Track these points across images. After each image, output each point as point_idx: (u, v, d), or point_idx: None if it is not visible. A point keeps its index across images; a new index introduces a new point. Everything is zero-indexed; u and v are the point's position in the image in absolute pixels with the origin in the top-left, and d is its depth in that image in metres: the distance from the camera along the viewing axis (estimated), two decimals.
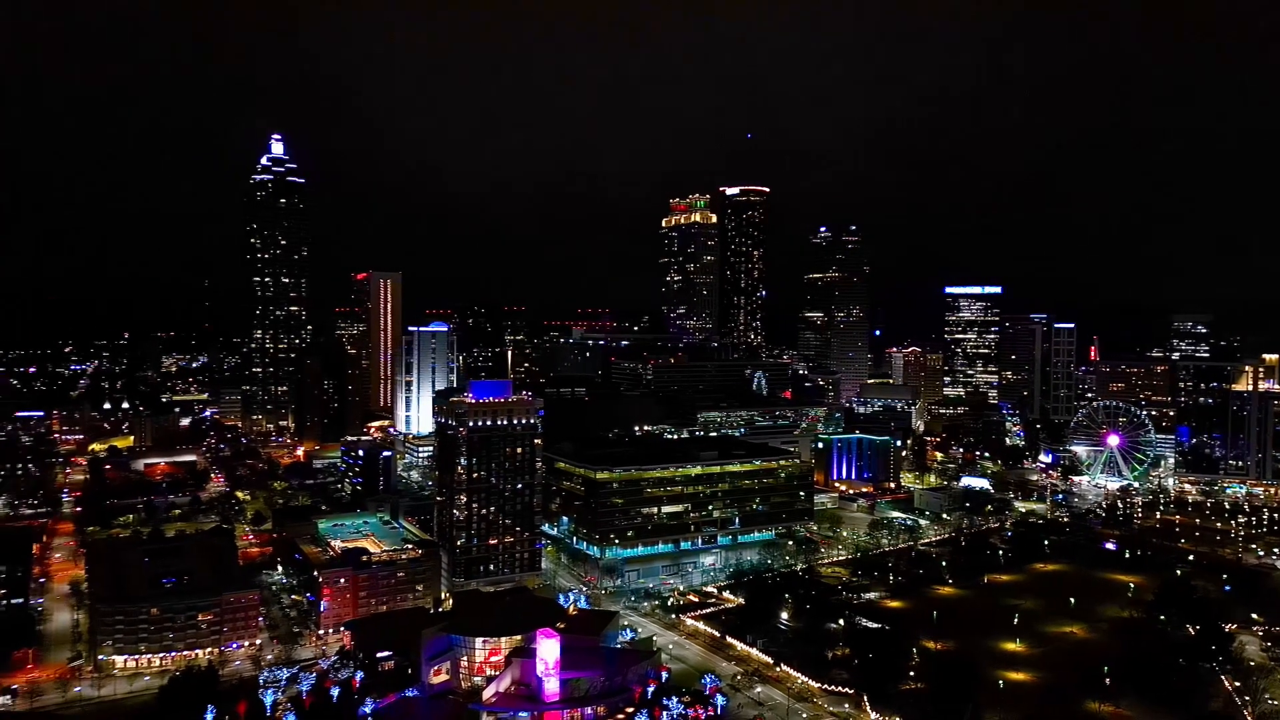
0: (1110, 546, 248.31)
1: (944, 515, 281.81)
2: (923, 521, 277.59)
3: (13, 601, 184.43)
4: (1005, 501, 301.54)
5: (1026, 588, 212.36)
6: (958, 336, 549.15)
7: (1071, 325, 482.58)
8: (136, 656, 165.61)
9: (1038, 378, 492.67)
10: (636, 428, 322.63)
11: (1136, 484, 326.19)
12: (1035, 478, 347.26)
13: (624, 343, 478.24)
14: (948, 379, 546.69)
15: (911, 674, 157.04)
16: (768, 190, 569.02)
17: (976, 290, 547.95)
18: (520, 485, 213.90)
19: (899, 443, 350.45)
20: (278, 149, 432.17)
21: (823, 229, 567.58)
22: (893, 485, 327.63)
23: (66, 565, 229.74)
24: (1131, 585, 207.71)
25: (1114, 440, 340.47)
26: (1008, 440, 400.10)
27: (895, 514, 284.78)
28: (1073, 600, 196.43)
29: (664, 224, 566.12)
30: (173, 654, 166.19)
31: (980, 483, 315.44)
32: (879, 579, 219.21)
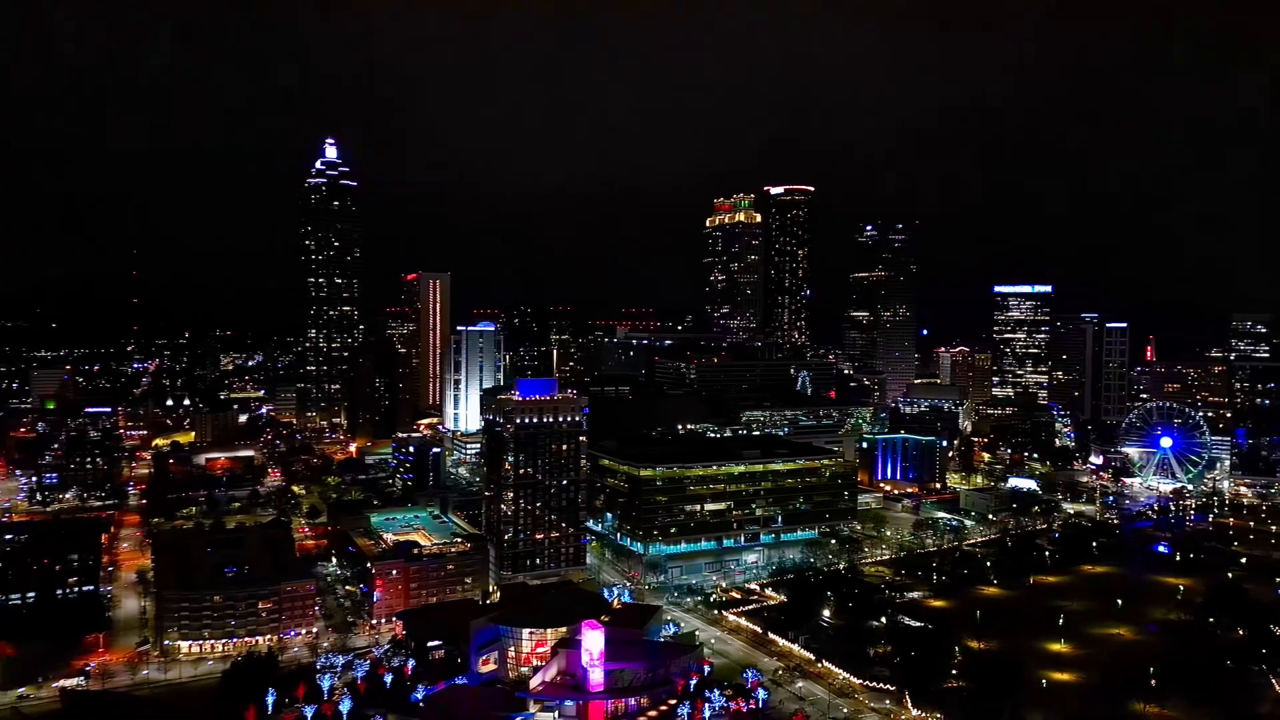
0: (1161, 549, 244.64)
1: (990, 516, 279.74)
2: (968, 522, 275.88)
3: (84, 589, 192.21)
4: (1053, 503, 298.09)
5: (1073, 589, 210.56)
6: (1007, 336, 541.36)
7: (1124, 325, 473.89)
8: (200, 642, 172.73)
9: (1089, 378, 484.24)
10: (680, 426, 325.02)
11: (1190, 486, 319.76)
12: (1085, 479, 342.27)
13: (667, 342, 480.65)
14: (996, 379, 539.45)
15: (954, 672, 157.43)
16: (812, 189, 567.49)
17: (1026, 289, 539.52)
18: (565, 482, 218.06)
19: (945, 443, 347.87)
20: (331, 153, 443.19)
21: (868, 228, 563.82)
22: (938, 486, 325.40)
23: (133, 555, 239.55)
24: (1181, 588, 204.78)
25: (1167, 442, 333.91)
26: (1058, 441, 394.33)
27: (940, 514, 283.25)
28: (1120, 602, 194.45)
29: (708, 223, 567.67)
30: (234, 640, 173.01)
31: (1028, 484, 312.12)
32: (922, 578, 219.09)
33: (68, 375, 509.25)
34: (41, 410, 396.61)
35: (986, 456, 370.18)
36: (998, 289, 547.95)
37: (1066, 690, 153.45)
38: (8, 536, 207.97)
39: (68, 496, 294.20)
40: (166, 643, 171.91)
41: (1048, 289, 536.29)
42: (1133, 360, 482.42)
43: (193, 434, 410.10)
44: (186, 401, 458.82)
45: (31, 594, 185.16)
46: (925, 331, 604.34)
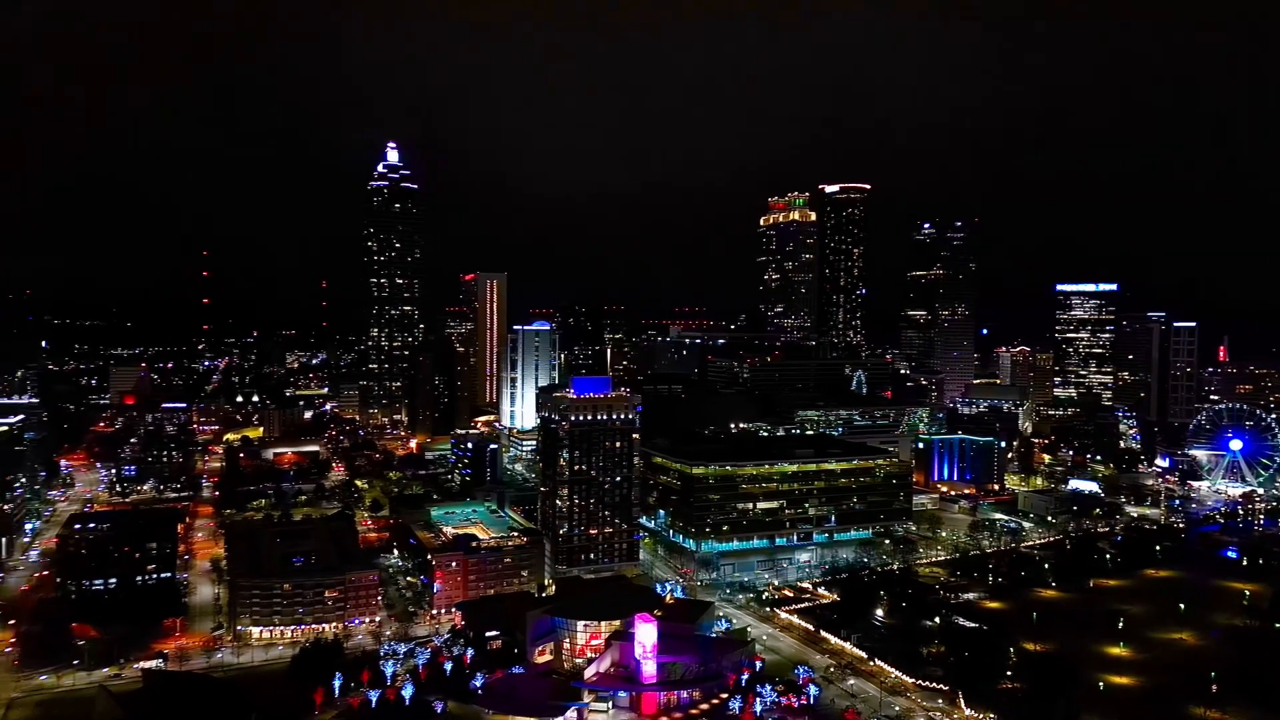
0: (1229, 554, 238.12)
1: (1049, 518, 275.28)
2: (1026, 524, 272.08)
3: (162, 576, 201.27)
4: (1116, 506, 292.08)
5: (1135, 593, 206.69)
6: (1070, 336, 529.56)
7: (1193, 324, 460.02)
8: (270, 628, 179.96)
9: (1156, 379, 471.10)
10: (732, 425, 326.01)
11: (1260, 490, 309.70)
12: (1150, 482, 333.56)
13: (720, 341, 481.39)
14: (1059, 380, 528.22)
15: (1009, 673, 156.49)
16: (868, 187, 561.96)
17: (1090, 288, 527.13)
18: (618, 478, 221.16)
19: (1004, 444, 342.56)
20: (393, 157, 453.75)
21: (926, 225, 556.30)
22: (996, 487, 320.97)
23: (207, 544, 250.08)
24: (1248, 593, 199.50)
25: (1237, 444, 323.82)
26: (1122, 443, 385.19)
27: (998, 516, 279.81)
28: (1183, 607, 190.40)
29: (762, 223, 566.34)
30: (302, 627, 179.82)
31: (1090, 486, 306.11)
32: (978, 580, 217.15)
33: (144, 372, 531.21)
34: (120, 406, 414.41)
35: (1047, 458, 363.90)
36: (1060, 287, 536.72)
37: (1124, 693, 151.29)
38: (91, 525, 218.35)
39: (145, 488, 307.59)
40: (239, 628, 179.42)
41: (1113, 287, 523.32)
42: (1202, 361, 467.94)
43: (261, 429, 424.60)
44: (255, 398, 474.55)
45: (113, 580, 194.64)
46: (985, 331, 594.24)
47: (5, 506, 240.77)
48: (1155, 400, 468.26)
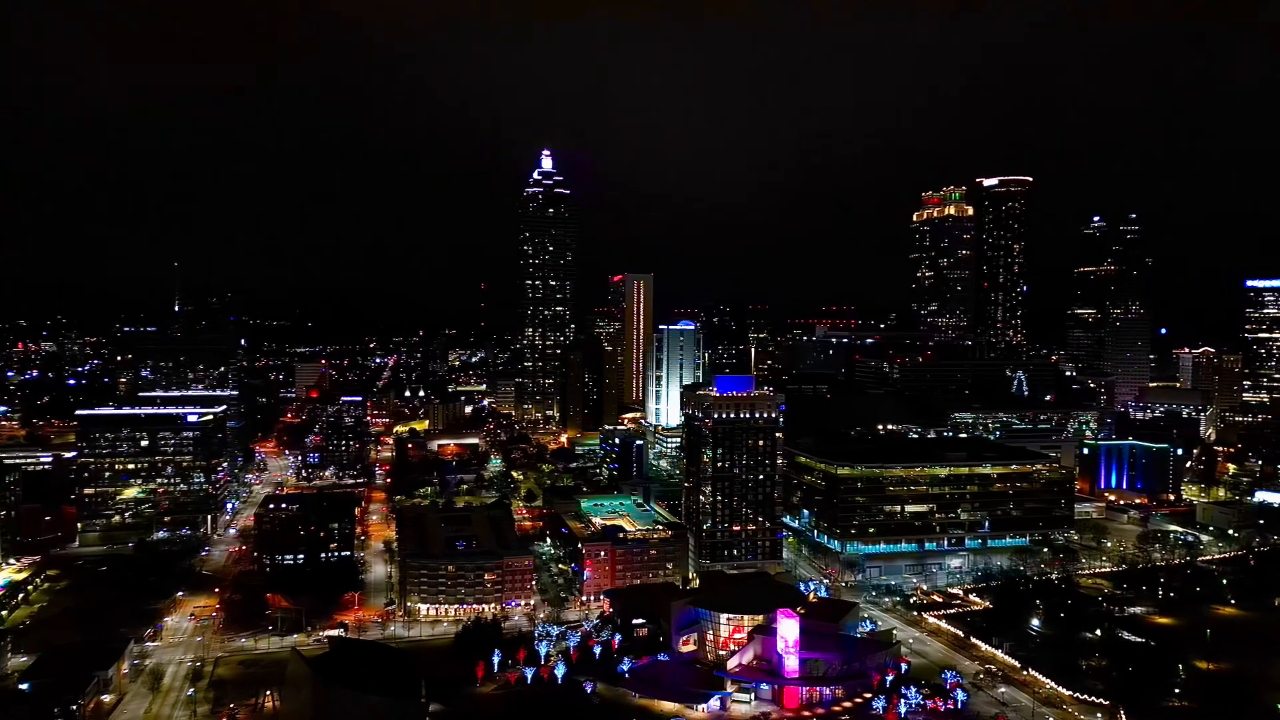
0: None
1: (1231, 532, 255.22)
2: (1204, 537, 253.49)
3: (343, 554, 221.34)
4: None
5: None
6: (1262, 335, 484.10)
7: None
8: (436, 606, 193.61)
9: None
10: (880, 426, 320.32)
11: None
12: None
13: (869, 340, 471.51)
14: (1248, 383, 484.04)
15: (1177, 691, 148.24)
16: (1030, 180, 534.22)
17: None
18: (761, 476, 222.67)
19: (1181, 451, 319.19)
20: (547, 164, 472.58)
21: (1096, 218, 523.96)
22: (1171, 497, 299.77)
23: (380, 527, 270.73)
24: None
25: None
26: None
27: (1172, 527, 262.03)
28: None
29: (915, 218, 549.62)
30: (464, 606, 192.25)
31: None
32: (1146, 594, 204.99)
33: (324, 368, 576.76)
34: (305, 399, 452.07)
35: (1232, 468, 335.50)
36: (1250, 283, 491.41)
37: None
38: (283, 506, 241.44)
39: (327, 474, 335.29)
40: (409, 604, 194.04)
41: None
42: None
43: (426, 422, 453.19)
44: (421, 393, 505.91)
45: (301, 556, 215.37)
46: (1163, 331, 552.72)
47: (212, 488, 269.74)
48: None
